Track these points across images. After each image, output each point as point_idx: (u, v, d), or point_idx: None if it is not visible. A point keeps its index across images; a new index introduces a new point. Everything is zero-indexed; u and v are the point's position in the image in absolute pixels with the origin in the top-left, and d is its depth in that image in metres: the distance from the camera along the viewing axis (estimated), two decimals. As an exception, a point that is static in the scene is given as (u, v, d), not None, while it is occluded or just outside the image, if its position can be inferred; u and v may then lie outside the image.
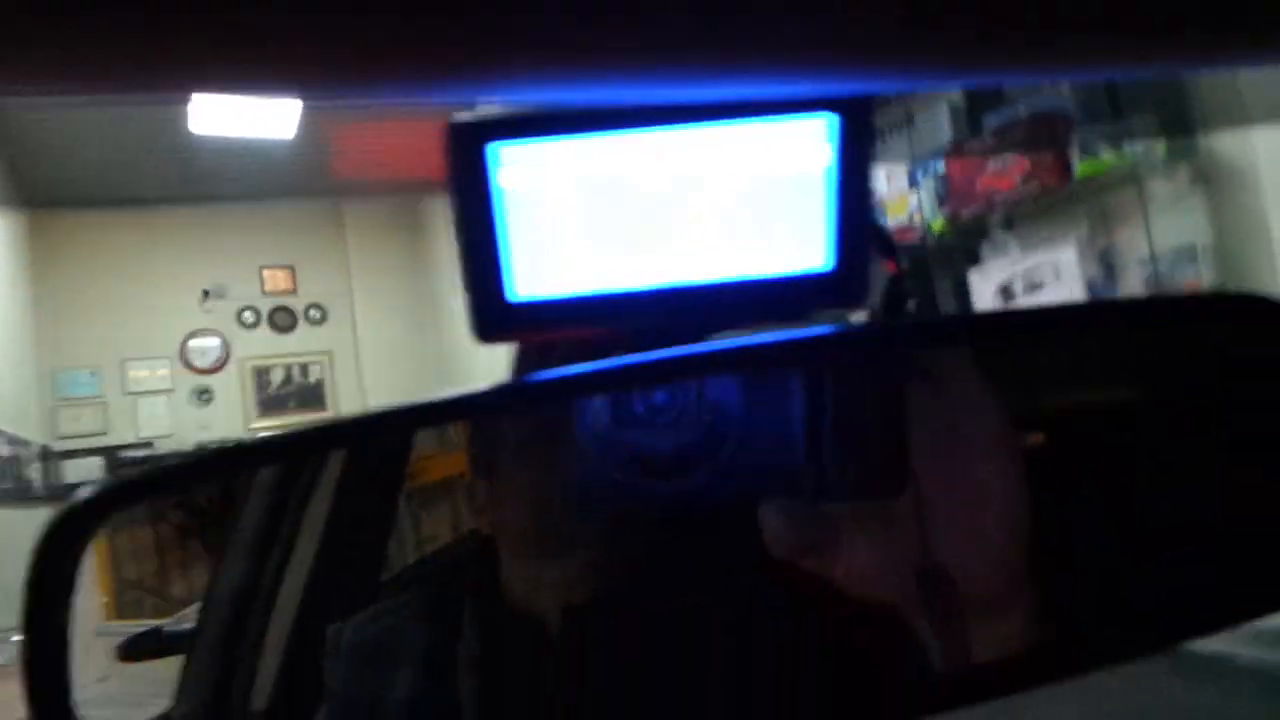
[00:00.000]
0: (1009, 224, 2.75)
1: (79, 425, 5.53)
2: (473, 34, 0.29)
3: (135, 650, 1.04)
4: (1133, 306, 0.58)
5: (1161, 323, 0.45)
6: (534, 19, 0.29)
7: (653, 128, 0.47)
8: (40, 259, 5.34)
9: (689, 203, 0.49)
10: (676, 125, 0.47)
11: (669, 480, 0.45)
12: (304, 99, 0.34)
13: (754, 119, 0.47)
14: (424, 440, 0.68)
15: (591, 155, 0.48)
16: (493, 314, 0.49)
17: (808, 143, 0.48)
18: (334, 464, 0.66)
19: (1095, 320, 0.46)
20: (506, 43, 0.30)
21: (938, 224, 2.88)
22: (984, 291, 2.79)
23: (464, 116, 0.49)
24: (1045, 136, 2.49)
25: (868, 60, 0.34)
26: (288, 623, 0.63)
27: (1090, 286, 2.51)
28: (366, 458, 0.64)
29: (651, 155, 0.49)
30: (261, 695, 0.60)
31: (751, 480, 0.44)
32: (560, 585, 0.45)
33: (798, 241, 0.49)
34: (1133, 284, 2.42)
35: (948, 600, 0.38)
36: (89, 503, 0.38)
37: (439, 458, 0.64)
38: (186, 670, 0.73)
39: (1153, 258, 2.32)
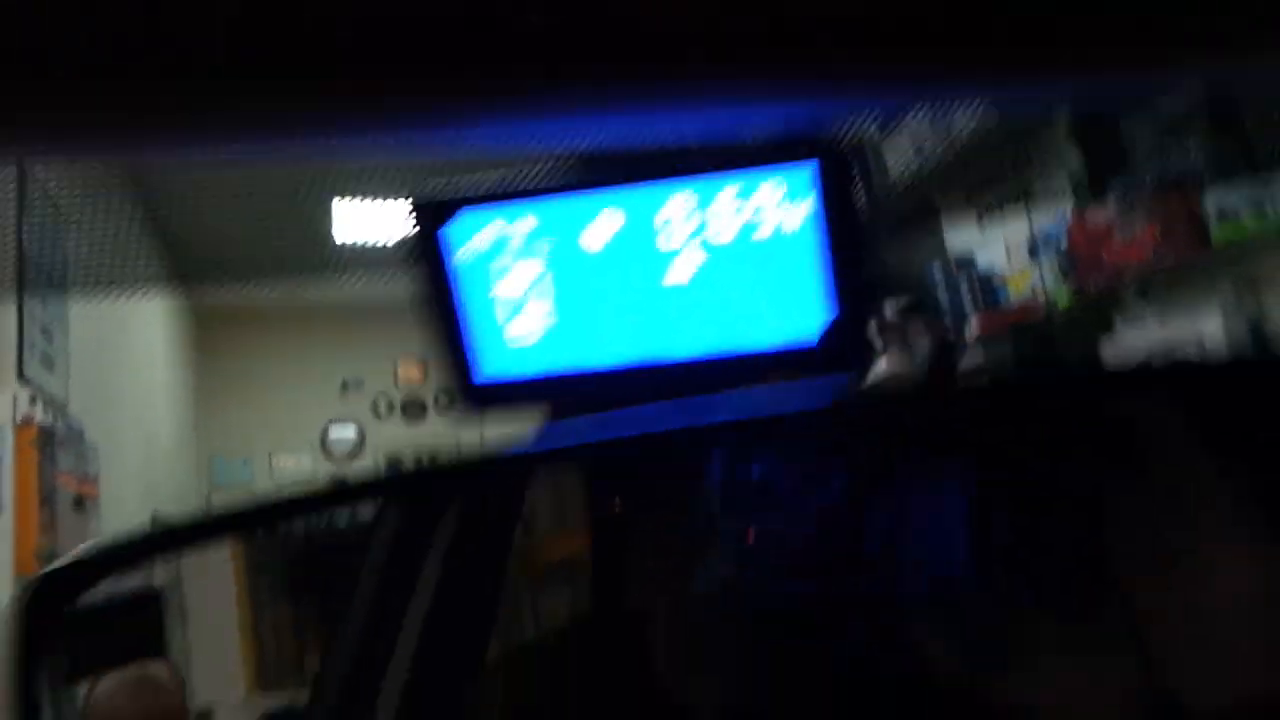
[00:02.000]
0: (1144, 293, 2.58)
1: (231, 511, 5.87)
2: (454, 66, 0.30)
3: (267, 727, 1.07)
4: None
5: None
6: (510, 49, 0.30)
7: (616, 189, 0.45)
8: (203, 354, 5.80)
9: (657, 270, 0.46)
10: (640, 186, 0.44)
11: (807, 579, 0.39)
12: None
13: (725, 176, 0.44)
14: (543, 520, 0.66)
15: (553, 223, 0.46)
16: (467, 394, 0.48)
17: (784, 197, 0.44)
18: (443, 534, 0.65)
19: None
20: (489, 72, 0.31)
21: (1063, 297, 2.73)
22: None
23: (424, 196, 0.49)
24: (1175, 203, 2.34)
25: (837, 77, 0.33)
26: (395, 698, 0.62)
27: (1239, 359, 2.30)
28: (478, 519, 0.61)
29: (615, 219, 0.46)
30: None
31: (903, 584, 0.38)
32: (710, 688, 0.41)
33: (784, 308, 0.45)
34: (1286, 354, 2.20)
35: None
36: (56, 574, 0.39)
37: (561, 537, 0.62)
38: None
39: (1309, 325, 2.12)
